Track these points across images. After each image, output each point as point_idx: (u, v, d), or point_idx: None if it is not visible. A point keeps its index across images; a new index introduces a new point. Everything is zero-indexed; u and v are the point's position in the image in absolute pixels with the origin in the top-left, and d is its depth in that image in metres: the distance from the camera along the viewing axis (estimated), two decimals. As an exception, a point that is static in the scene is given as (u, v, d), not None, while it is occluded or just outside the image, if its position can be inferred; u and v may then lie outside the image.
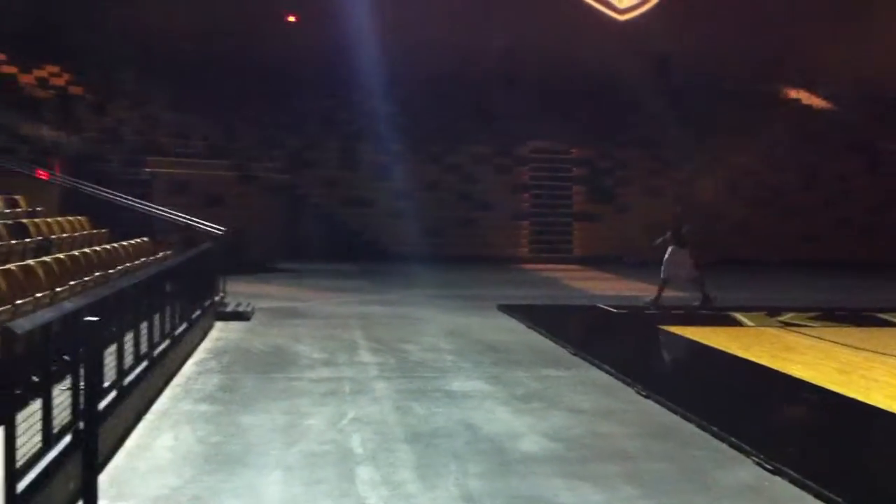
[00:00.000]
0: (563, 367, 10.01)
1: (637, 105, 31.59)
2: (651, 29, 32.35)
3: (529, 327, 12.85)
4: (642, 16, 33.92)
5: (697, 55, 31.64)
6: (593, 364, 10.02)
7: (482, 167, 28.78)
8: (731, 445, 6.75)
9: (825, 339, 12.48)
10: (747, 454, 6.53)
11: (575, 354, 10.66)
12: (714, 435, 7.03)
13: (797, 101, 35.34)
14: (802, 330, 13.36)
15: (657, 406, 8.10)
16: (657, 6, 33.95)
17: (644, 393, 8.51)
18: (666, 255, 16.03)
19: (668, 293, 16.14)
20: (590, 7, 33.95)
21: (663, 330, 13.26)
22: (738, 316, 14.72)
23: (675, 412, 7.78)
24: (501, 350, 11.03)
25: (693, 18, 31.14)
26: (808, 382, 9.35)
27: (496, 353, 10.78)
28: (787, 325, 13.92)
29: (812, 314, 14.96)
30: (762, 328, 13.66)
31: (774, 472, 6.14)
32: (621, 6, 34.56)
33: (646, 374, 9.45)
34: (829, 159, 30.80)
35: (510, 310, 14.52)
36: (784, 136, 31.00)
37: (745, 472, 6.23)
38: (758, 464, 6.33)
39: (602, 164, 29.74)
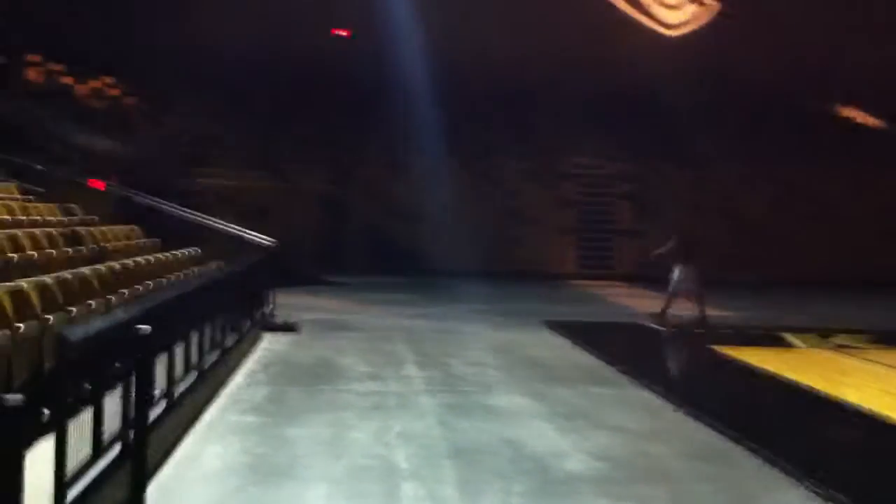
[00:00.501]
0: (609, 385, 9.94)
1: (683, 120, 31.32)
2: (698, 44, 32.16)
3: (575, 344, 12.78)
4: (691, 31, 33.75)
5: (745, 70, 31.34)
6: (639, 383, 9.94)
7: (528, 183, 28.74)
8: (783, 471, 6.64)
9: (879, 363, 12.25)
10: (797, 479, 6.42)
11: (621, 373, 10.59)
12: (766, 459, 6.93)
13: (846, 118, 34.84)
14: (855, 353, 13.13)
15: (704, 427, 8.00)
16: (706, 22, 33.77)
17: (691, 414, 8.42)
18: (675, 274, 15.89)
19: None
20: (638, 23, 33.88)
21: (711, 350, 13.12)
22: (789, 337, 14.49)
23: (723, 434, 7.68)
24: (546, 366, 10.98)
25: (742, 33, 30.90)
26: (860, 407, 9.18)
27: (541, 370, 10.74)
28: (839, 347, 13.68)
29: (865, 336, 14.70)
30: (813, 350, 13.46)
31: (827, 498, 6.03)
32: (671, 22, 34.42)
33: (692, 394, 9.36)
34: (879, 176, 30.25)
35: (555, 326, 14.46)
36: (833, 152, 30.54)
37: (793, 497, 6.14)
38: (807, 490, 6.22)
39: (648, 180, 29.53)
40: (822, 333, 14.83)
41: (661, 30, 34.15)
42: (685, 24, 34.31)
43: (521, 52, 30.07)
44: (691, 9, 34.36)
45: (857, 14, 31.32)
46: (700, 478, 6.52)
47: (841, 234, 27.79)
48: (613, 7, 33.11)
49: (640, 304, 19.65)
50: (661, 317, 15.70)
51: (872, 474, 7.06)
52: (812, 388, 10.23)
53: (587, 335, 13.47)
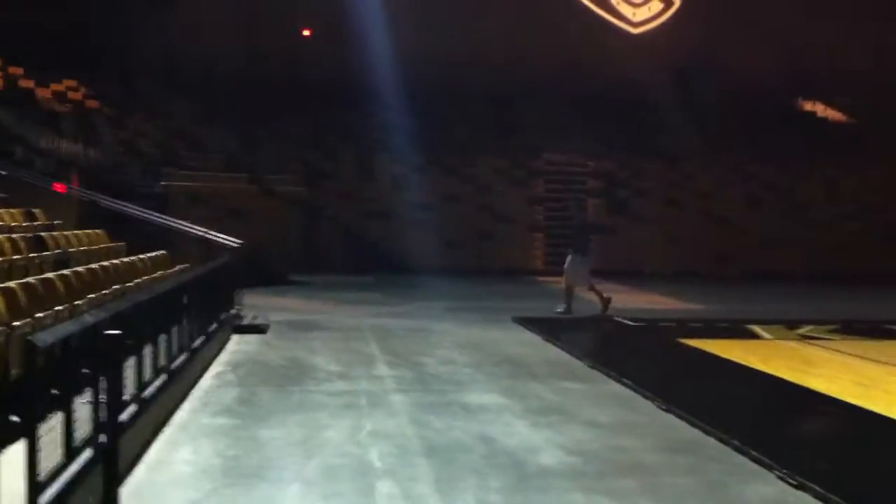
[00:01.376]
0: (581, 380, 9.97)
1: (656, 117, 31.62)
2: (670, 41, 32.42)
3: (546, 340, 12.82)
4: (660, 28, 34.02)
5: (716, 67, 31.68)
6: (610, 377, 9.99)
7: (499, 179, 28.80)
8: (753, 459, 6.70)
9: (844, 352, 12.40)
10: (770, 468, 6.48)
11: (592, 367, 10.63)
12: (735, 449, 6.99)
13: (813, 113, 35.30)
14: (821, 343, 13.28)
15: (676, 420, 8.05)
16: (672, 19, 34.04)
17: (663, 406, 8.47)
18: (568, 263, 16.44)
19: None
20: (604, 20, 34.10)
21: (680, 343, 13.21)
22: (756, 329, 14.64)
23: (695, 426, 7.73)
24: (518, 363, 11.00)
25: (712, 30, 31.20)
26: (828, 396, 9.29)
27: (513, 366, 10.75)
28: (805, 337, 13.84)
29: (831, 326, 14.88)
30: (780, 341, 13.60)
31: (798, 486, 6.09)
32: (635, 19, 34.67)
33: (664, 387, 9.40)
34: (849, 170, 30.65)
35: (526, 322, 14.50)
36: (804, 148, 30.94)
37: (768, 486, 6.18)
38: (780, 478, 6.28)
39: (619, 176, 29.69)
40: (789, 325, 15.00)
41: (626, 27, 34.42)
42: (649, 21, 34.59)
43: (495, 53, 30.23)
44: (656, 6, 34.63)
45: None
46: (673, 470, 6.56)
47: (816, 230, 28.14)
48: (586, 7, 33.31)
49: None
50: (605, 308, 16.12)
51: (843, 462, 7.13)
52: (780, 377, 10.34)
53: (558, 331, 13.52)
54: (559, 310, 16.20)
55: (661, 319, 15.78)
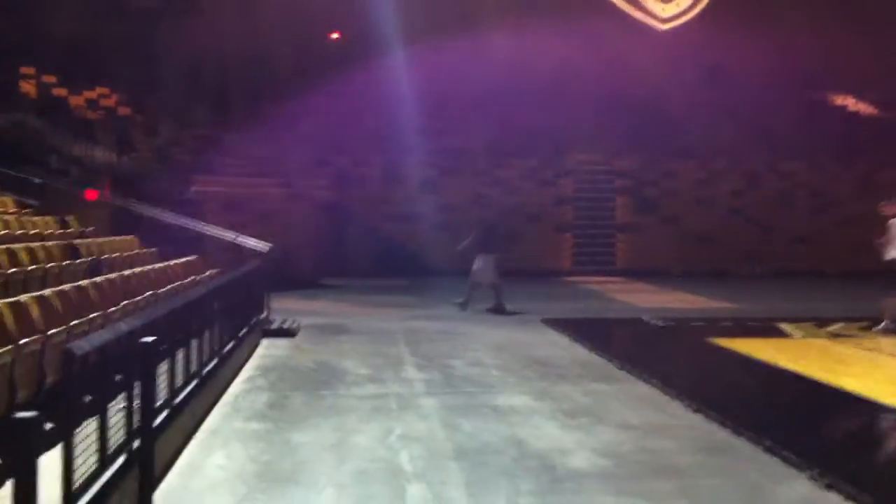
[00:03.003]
0: (611, 381, 9.96)
1: (683, 115, 31.45)
2: (698, 38, 32.25)
3: (574, 341, 12.80)
4: (688, 25, 33.85)
5: (745, 64, 31.47)
6: (640, 378, 9.97)
7: (526, 180, 28.77)
8: (785, 461, 6.68)
9: (875, 350, 12.29)
10: (801, 469, 6.45)
11: (622, 368, 10.61)
12: (766, 450, 6.96)
13: (844, 108, 34.94)
14: (851, 341, 13.17)
15: (707, 421, 8.03)
16: (701, 16, 33.86)
17: (694, 407, 8.44)
18: (477, 263, 16.58)
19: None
20: (632, 17, 33.99)
21: (709, 343, 13.15)
22: (786, 327, 14.54)
23: (726, 427, 7.70)
24: (547, 364, 11.00)
25: (741, 27, 30.98)
26: (859, 395, 9.22)
27: (542, 368, 10.76)
28: (835, 335, 13.73)
29: (861, 324, 14.73)
30: (811, 339, 13.50)
31: (830, 487, 6.07)
32: (664, 15, 34.51)
33: (694, 388, 9.38)
34: (881, 166, 30.31)
35: (555, 324, 14.49)
36: (836, 143, 30.64)
37: (800, 487, 6.17)
38: (812, 479, 6.25)
39: (646, 175, 29.56)
40: (819, 323, 14.87)
41: (654, 23, 34.27)
42: (678, 16, 34.42)
43: (520, 53, 30.22)
44: (684, 1, 34.45)
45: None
46: (707, 471, 6.55)
47: (846, 227, 27.82)
48: (612, 5, 33.25)
49: (638, 298, 19.71)
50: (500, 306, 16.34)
51: (875, 463, 7.08)
52: (810, 377, 10.26)
53: (587, 332, 13.50)
54: (458, 301, 16.66)
55: (691, 319, 15.70)
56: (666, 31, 34.18)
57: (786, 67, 31.51)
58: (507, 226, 17.71)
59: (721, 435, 7.58)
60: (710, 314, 16.56)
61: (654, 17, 34.53)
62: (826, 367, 10.93)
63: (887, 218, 14.18)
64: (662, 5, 34.61)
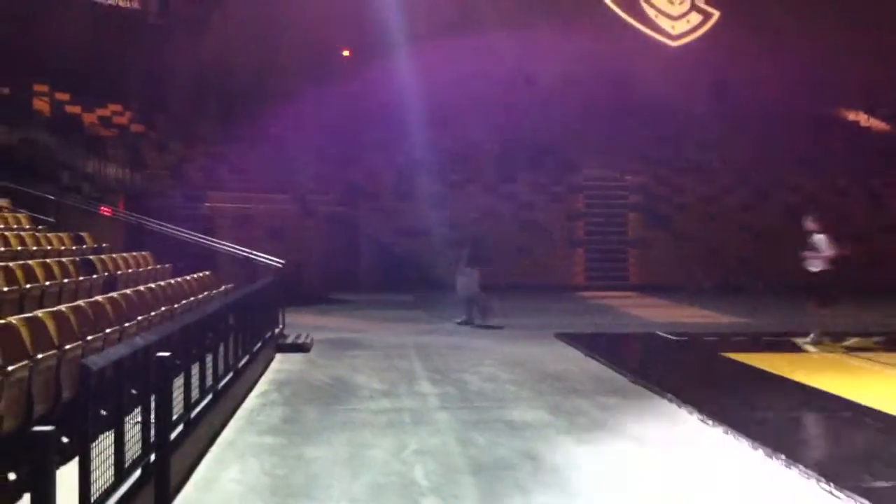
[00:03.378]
0: (624, 395, 9.95)
1: (694, 130, 31.49)
2: (708, 54, 32.31)
3: (588, 355, 12.78)
4: (698, 40, 33.91)
5: (755, 79, 31.49)
6: (654, 392, 9.94)
7: (537, 195, 28.80)
8: (801, 473, 6.65)
9: (891, 365, 12.23)
10: (815, 481, 6.42)
11: (635, 383, 10.59)
12: (783, 462, 6.93)
13: (856, 123, 34.90)
14: (867, 356, 13.11)
15: (723, 434, 8.00)
16: (711, 32, 33.92)
17: (708, 422, 8.41)
18: (462, 277, 16.88)
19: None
20: (642, 34, 34.09)
21: (724, 357, 13.11)
22: (799, 341, 14.47)
23: (741, 439, 7.67)
24: (561, 379, 10.99)
25: (750, 42, 31.02)
26: (875, 409, 9.17)
27: (556, 382, 10.74)
28: (851, 350, 13.67)
29: (877, 339, 14.66)
30: (826, 354, 13.44)
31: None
32: (674, 32, 34.61)
33: (709, 402, 9.34)
34: (892, 181, 30.22)
35: (568, 338, 14.47)
36: (845, 159, 30.59)
37: (820, 501, 6.14)
38: (829, 492, 6.22)
39: (658, 191, 29.54)
40: (834, 337, 14.80)
41: (664, 40, 34.35)
42: (688, 33, 34.52)
43: (530, 68, 30.32)
44: (695, 18, 34.53)
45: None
46: (723, 485, 6.53)
47: (857, 241, 27.68)
48: (622, 21, 33.35)
49: (651, 313, 19.67)
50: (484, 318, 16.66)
51: (891, 477, 7.04)
52: (826, 391, 10.22)
53: (601, 346, 13.48)
54: (458, 321, 16.77)
55: (704, 333, 15.67)
56: (676, 48, 34.25)
57: (796, 82, 31.51)
58: (488, 239, 17.93)
59: (737, 448, 7.54)
60: (723, 329, 16.52)
61: (665, 34, 34.63)
62: (842, 381, 10.88)
63: (810, 233, 14.83)
64: (672, 23, 34.72)
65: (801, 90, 31.77)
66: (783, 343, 14.44)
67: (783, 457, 7.02)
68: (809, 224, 15.14)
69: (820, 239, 14.86)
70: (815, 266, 14.77)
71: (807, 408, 9.81)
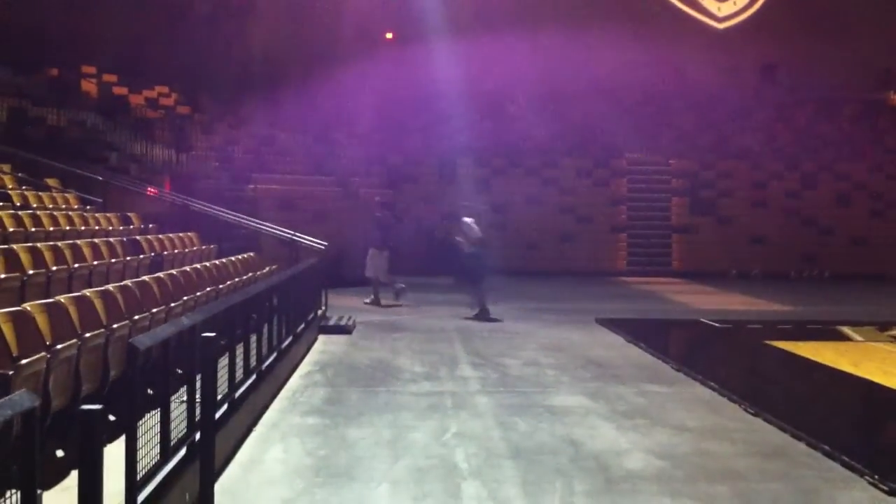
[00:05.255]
0: (667, 382, 9.89)
1: (739, 115, 31.10)
2: (754, 37, 31.83)
3: (630, 341, 12.73)
4: (746, 24, 33.42)
5: (803, 64, 31.00)
6: (697, 380, 9.88)
7: (581, 180, 28.63)
8: (845, 465, 6.58)
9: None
10: (861, 475, 6.36)
11: (678, 370, 10.53)
12: (826, 454, 6.87)
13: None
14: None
15: (766, 424, 7.93)
16: (759, 14, 33.40)
17: (751, 410, 8.35)
18: (368, 258, 17.27)
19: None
20: (688, 16, 33.67)
21: (768, 345, 12.98)
22: (847, 330, 14.30)
23: (785, 430, 7.61)
24: (602, 365, 10.95)
25: (798, 26, 30.51)
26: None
27: (597, 368, 10.71)
28: (897, 339, 13.48)
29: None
30: (872, 343, 13.26)
31: (890, 493, 5.97)
32: (720, 14, 34.13)
33: (752, 390, 9.28)
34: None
35: (610, 324, 14.42)
36: (893, 144, 30.07)
37: (860, 493, 6.08)
38: (872, 484, 6.16)
39: (703, 176, 29.23)
40: (881, 326, 14.60)
41: (711, 22, 33.90)
42: (734, 15, 34.01)
43: (577, 53, 30.10)
44: (741, 1, 34.04)
45: None
46: (764, 476, 6.48)
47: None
48: (669, 5, 32.97)
49: (695, 300, 19.53)
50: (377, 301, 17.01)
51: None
52: (872, 380, 10.09)
53: (643, 332, 13.41)
54: (367, 301, 16.99)
55: (748, 321, 15.53)
56: (722, 30, 33.79)
57: (845, 66, 30.96)
58: (400, 224, 18.19)
59: (779, 439, 7.49)
60: (768, 316, 16.36)
61: (711, 16, 34.15)
62: (888, 370, 10.74)
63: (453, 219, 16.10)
64: (718, 4, 34.22)
65: (853, 74, 31.21)
66: (829, 332, 14.25)
67: (826, 447, 6.95)
68: (461, 210, 16.29)
69: (460, 224, 15.75)
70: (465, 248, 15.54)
71: (852, 398, 9.70)
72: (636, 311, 16.69)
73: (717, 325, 15.11)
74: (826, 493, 6.07)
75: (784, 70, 32.08)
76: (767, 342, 13.17)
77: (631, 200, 28.35)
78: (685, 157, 29.55)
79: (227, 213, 18.05)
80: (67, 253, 9.42)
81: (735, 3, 34.22)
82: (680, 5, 33.79)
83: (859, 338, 13.71)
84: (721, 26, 34.07)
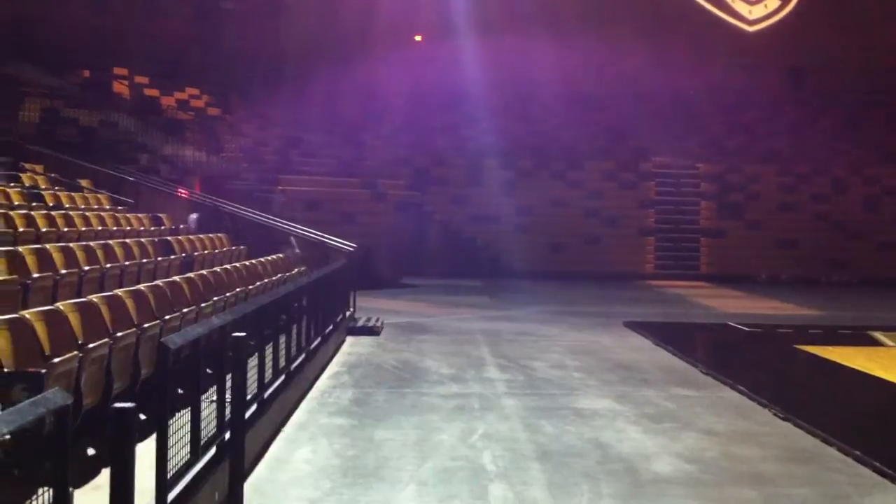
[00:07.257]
0: (695, 386, 9.85)
1: (768, 118, 30.90)
2: (783, 40, 31.60)
3: (657, 345, 12.68)
4: (776, 27, 33.18)
5: (834, 67, 30.73)
6: (726, 384, 9.82)
7: (607, 183, 28.56)
8: (875, 470, 6.53)
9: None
10: (893, 480, 6.30)
11: (706, 374, 10.48)
12: (856, 459, 6.81)
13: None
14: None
15: (794, 428, 7.88)
16: (790, 17, 33.15)
17: (781, 415, 8.29)
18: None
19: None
20: (717, 18, 33.48)
21: (798, 349, 12.89)
22: (878, 335, 14.16)
23: (815, 435, 7.55)
24: (630, 368, 10.92)
25: (827, 28, 30.26)
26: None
27: (625, 371, 10.68)
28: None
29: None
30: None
31: (922, 500, 5.92)
32: (751, 17, 33.91)
33: (781, 395, 9.21)
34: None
35: (638, 327, 14.36)
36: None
37: (890, 498, 6.02)
38: (904, 491, 6.11)
39: (731, 180, 29.06)
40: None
41: (741, 25, 33.68)
42: (766, 18, 33.78)
43: (604, 56, 30.03)
44: (773, 3, 33.78)
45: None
46: (793, 480, 6.44)
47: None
48: (698, 9, 32.80)
49: (723, 304, 19.42)
50: None
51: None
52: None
53: (671, 336, 13.35)
54: None
55: (778, 325, 15.42)
56: (751, 34, 33.57)
57: (873, 68, 30.66)
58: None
59: (809, 443, 7.44)
60: (798, 321, 16.24)
61: (742, 19, 33.94)
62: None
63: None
64: (749, 7, 34.00)
65: (883, 78, 30.89)
66: (860, 336, 14.12)
67: (858, 453, 6.89)
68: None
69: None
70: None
71: (883, 402, 9.61)
72: (664, 315, 16.62)
73: (746, 329, 15.01)
74: (855, 499, 6.03)
75: (812, 73, 31.80)
76: (797, 346, 13.07)
77: (659, 204, 28.23)
78: (713, 160, 29.40)
79: (257, 215, 18.18)
80: (99, 253, 9.53)
81: (766, 6, 33.98)
82: (710, 7, 33.62)
83: (891, 343, 13.58)
84: (752, 29, 33.85)
